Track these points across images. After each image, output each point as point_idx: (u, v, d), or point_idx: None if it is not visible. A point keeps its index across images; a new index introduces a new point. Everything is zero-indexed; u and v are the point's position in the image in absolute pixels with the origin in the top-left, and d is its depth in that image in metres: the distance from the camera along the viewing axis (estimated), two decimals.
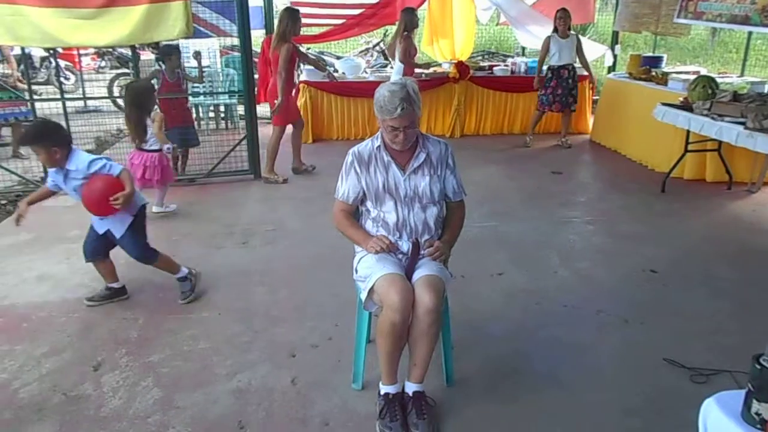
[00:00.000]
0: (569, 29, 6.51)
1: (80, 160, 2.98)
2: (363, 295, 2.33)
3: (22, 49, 5.29)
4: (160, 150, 4.39)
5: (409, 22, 6.21)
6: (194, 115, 7.02)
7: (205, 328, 3.04)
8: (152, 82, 5.22)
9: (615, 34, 7.98)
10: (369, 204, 2.45)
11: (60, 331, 3.00)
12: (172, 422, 2.36)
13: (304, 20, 7.89)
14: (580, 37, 6.93)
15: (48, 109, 5.30)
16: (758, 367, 1.32)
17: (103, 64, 12.31)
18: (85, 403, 2.47)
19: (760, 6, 5.26)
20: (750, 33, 6.31)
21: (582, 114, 7.70)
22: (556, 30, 6.51)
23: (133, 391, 2.54)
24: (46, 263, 3.78)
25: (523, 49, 9.27)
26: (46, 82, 10.15)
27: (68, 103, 5.28)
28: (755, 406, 1.33)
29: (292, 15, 5.34)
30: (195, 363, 2.75)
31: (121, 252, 3.25)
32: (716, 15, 5.81)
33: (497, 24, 10.46)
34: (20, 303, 3.29)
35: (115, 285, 3.30)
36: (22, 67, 6.75)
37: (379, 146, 2.40)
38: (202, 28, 6.58)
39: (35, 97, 5.10)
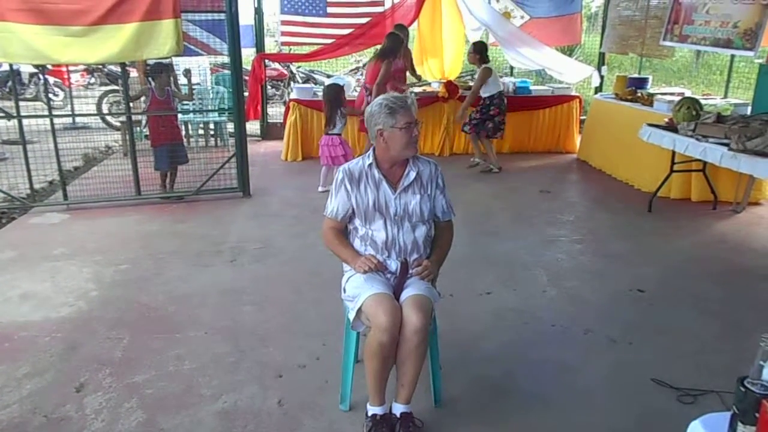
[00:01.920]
0: (478, 63, 6.52)
1: None
2: (351, 315, 2.32)
3: (11, 65, 5.27)
4: (339, 134, 5.74)
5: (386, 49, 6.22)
6: (183, 133, 7.01)
7: (191, 347, 3.01)
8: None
9: (602, 56, 8.11)
10: (357, 222, 2.45)
11: (43, 351, 2.95)
12: None
13: (292, 39, 8.06)
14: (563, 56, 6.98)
15: (36, 125, 5.26)
16: (743, 389, 1.33)
17: (92, 80, 12.30)
18: (66, 425, 2.41)
19: (741, 30, 5.38)
20: (733, 56, 6.43)
21: (569, 133, 7.79)
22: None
23: (116, 413, 2.49)
24: (30, 282, 3.73)
25: (512, 69, 9.38)
26: (35, 99, 10.11)
27: (56, 120, 5.25)
28: (740, 428, 1.33)
29: (394, 39, 6.10)
30: (180, 384, 2.71)
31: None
32: (700, 38, 5.94)
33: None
34: (2, 322, 3.23)
35: None
36: (10, 83, 6.72)
37: (370, 164, 2.40)
38: (192, 46, 6.61)
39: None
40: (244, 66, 6.05)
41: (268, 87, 9.48)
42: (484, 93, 6.57)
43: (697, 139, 4.66)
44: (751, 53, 5.44)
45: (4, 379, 2.71)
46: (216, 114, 7.64)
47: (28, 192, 5.22)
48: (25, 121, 5.05)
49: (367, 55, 11.28)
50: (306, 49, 7.91)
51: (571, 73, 7.67)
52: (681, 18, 6.17)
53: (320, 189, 5.80)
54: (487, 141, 6.73)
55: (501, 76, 8.95)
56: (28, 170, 5.05)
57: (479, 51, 6.51)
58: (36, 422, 2.43)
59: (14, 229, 4.76)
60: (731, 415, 1.37)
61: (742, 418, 1.33)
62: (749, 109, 5.69)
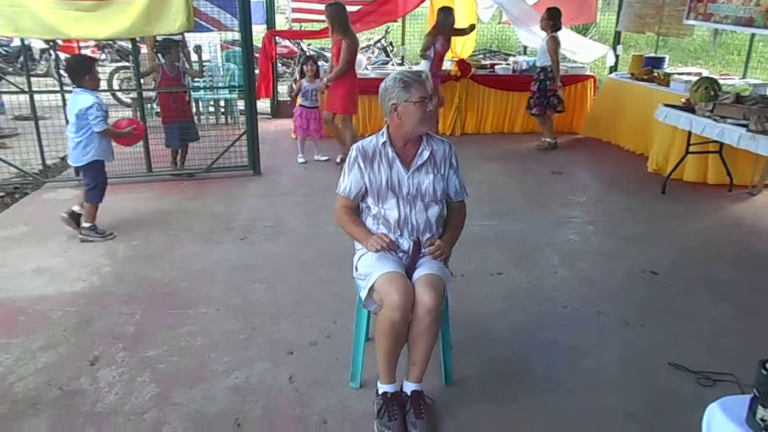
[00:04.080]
0: (550, 30, 6.33)
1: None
2: (363, 294, 2.31)
3: (22, 40, 5.25)
4: (315, 107, 5.96)
5: (439, 22, 6.36)
6: (194, 110, 6.99)
7: (203, 323, 3.02)
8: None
9: (617, 35, 7.96)
10: (370, 201, 2.43)
11: (56, 324, 2.98)
12: (168, 419, 2.34)
13: (303, 16, 7.96)
14: (576, 36, 6.85)
15: (47, 101, 5.25)
16: (765, 372, 1.30)
17: (103, 56, 12.25)
18: (80, 398, 2.44)
19: (764, 8, 5.25)
20: (753, 35, 6.29)
21: (583, 113, 7.68)
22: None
23: (129, 387, 2.52)
24: (43, 256, 3.75)
25: (525, 48, 9.25)
26: (46, 74, 10.10)
27: (68, 96, 5.22)
28: (761, 412, 1.31)
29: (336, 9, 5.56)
30: (192, 359, 2.73)
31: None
32: (723, 17, 5.80)
33: (499, 22, 10.43)
34: (17, 296, 3.26)
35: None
36: (21, 58, 6.71)
37: (384, 142, 2.38)
38: (203, 22, 6.54)
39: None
40: (254, 43, 5.99)
41: (279, 65, 9.40)
42: (540, 62, 6.47)
43: (715, 120, 4.58)
44: None
45: (20, 352, 2.74)
46: (227, 91, 7.60)
47: (40, 168, 5.24)
48: (36, 97, 5.04)
49: (378, 32, 11.19)
50: (317, 26, 7.81)
51: (586, 52, 7.55)
52: None
53: (315, 157, 6.18)
54: (549, 117, 6.67)
55: (513, 55, 8.85)
56: (40, 146, 5.06)
57: (553, 18, 6.28)
58: (51, 394, 2.46)
59: (27, 204, 4.79)
60: (751, 398, 1.35)
61: (763, 401, 1.30)
62: None
